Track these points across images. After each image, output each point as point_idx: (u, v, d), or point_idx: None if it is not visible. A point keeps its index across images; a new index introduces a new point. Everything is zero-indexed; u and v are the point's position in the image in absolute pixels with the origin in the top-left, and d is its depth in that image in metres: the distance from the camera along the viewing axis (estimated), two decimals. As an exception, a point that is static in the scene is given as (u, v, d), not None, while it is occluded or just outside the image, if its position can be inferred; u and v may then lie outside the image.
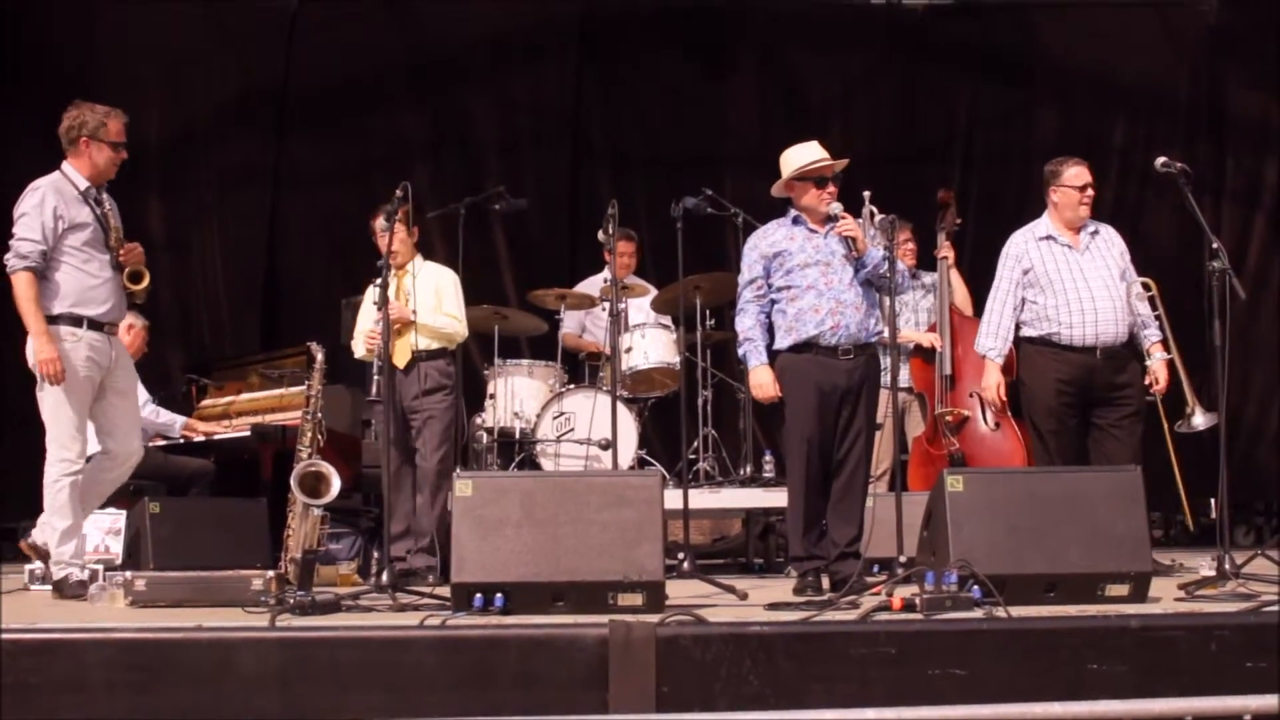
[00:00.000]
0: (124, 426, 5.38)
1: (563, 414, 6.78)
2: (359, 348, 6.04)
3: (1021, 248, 5.91)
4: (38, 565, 5.60)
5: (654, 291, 7.37)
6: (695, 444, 7.06)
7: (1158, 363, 5.79)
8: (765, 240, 5.39)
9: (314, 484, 5.42)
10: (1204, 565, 5.17)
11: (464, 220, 6.86)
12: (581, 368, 7.51)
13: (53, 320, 5.17)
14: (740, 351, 5.40)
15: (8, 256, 5.18)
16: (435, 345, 5.98)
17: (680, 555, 5.99)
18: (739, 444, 7.33)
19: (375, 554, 6.13)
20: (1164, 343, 5.84)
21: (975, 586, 4.24)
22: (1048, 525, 4.55)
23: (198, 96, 8.85)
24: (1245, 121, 9.07)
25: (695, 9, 9.02)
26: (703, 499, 6.70)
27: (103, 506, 5.74)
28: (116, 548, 5.99)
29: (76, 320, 5.20)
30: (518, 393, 6.84)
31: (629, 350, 6.83)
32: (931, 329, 6.97)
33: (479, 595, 4.30)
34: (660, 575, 4.41)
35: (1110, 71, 9.11)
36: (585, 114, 9.22)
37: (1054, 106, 9.17)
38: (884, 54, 9.26)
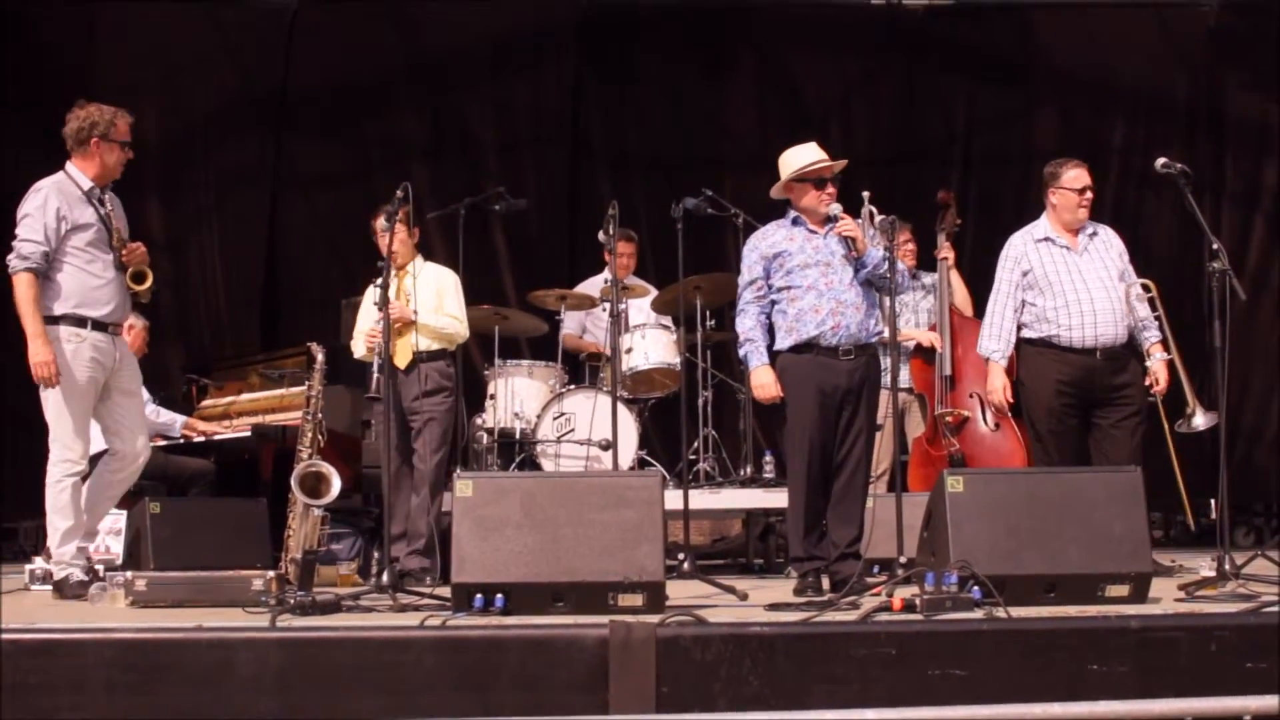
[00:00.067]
0: (130, 426, 5.38)
1: (563, 414, 6.78)
2: (359, 347, 6.04)
3: (1020, 250, 5.91)
4: (38, 565, 5.60)
5: (654, 292, 7.37)
6: (695, 444, 7.06)
7: (1157, 363, 5.79)
8: (765, 241, 5.39)
9: (314, 484, 5.42)
10: (1204, 566, 5.18)
11: (464, 221, 6.86)
12: (582, 368, 7.51)
13: (56, 321, 5.17)
14: (741, 352, 5.40)
15: (10, 257, 5.17)
16: (436, 346, 5.98)
17: (680, 556, 5.99)
18: (739, 445, 7.32)
19: (375, 554, 6.12)
20: (1164, 343, 5.84)
21: (975, 587, 4.24)
22: (1048, 526, 4.55)
23: (197, 97, 8.85)
24: (1245, 122, 9.07)
25: (695, 10, 9.02)
26: (703, 499, 6.70)
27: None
28: (117, 548, 5.99)
29: (80, 321, 5.19)
30: (518, 393, 6.84)
31: (629, 351, 6.83)
32: (931, 329, 6.98)
33: (479, 595, 4.30)
34: (660, 576, 4.41)
35: (1110, 73, 9.12)
36: (585, 115, 9.22)
37: (1053, 107, 9.18)
38: (884, 55, 9.26)
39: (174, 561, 5.14)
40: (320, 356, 5.92)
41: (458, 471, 5.69)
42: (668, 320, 7.22)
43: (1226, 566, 4.83)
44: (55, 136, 5.36)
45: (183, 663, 3.74)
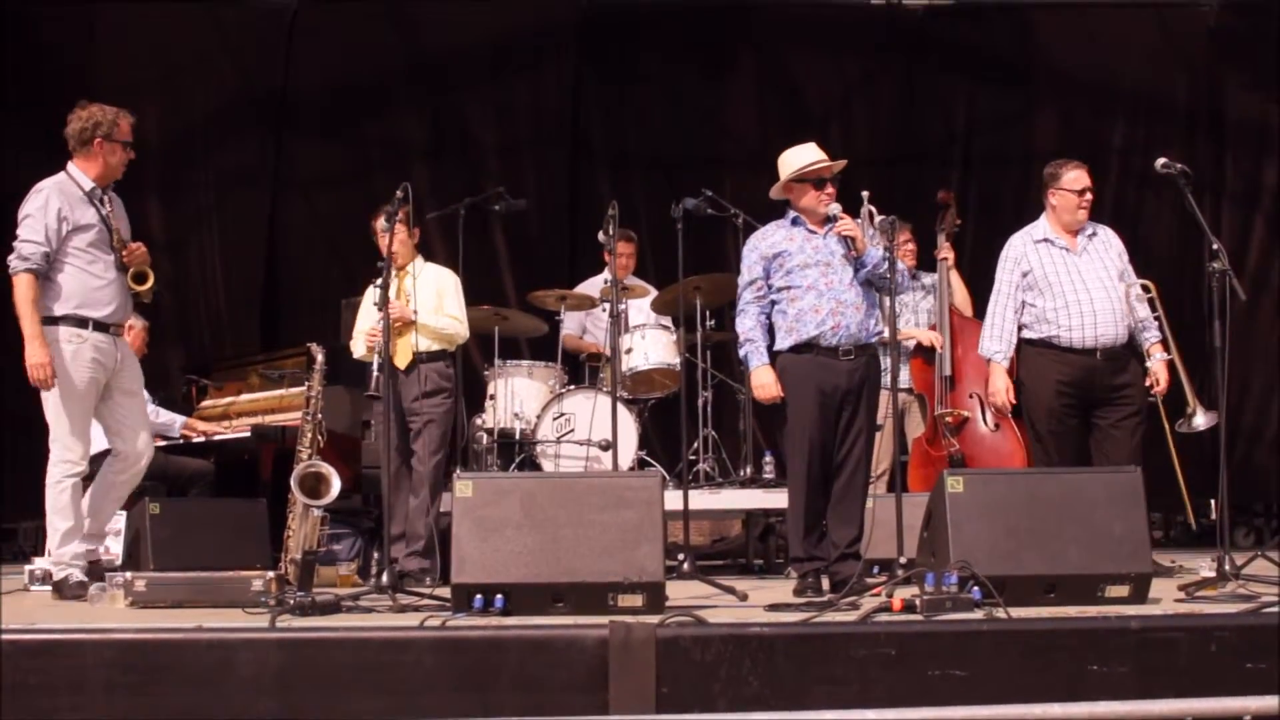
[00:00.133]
0: (131, 426, 5.38)
1: (563, 415, 6.77)
2: (359, 347, 6.03)
3: (1020, 250, 5.91)
4: (38, 566, 5.60)
5: (654, 292, 7.37)
6: (695, 445, 7.06)
7: (1158, 363, 5.80)
8: (765, 241, 5.39)
9: (314, 485, 5.42)
10: (1204, 566, 5.18)
11: (464, 221, 6.85)
12: (581, 369, 7.51)
13: (57, 321, 5.17)
14: (741, 352, 5.40)
15: (10, 258, 5.17)
16: (435, 346, 5.98)
17: (680, 556, 5.99)
18: (739, 445, 7.32)
19: (375, 555, 6.12)
20: (1163, 343, 5.84)
21: (975, 587, 4.25)
22: (1048, 526, 4.56)
23: (197, 98, 8.85)
24: (1245, 122, 9.07)
25: (695, 10, 9.02)
26: (703, 500, 6.70)
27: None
28: (116, 548, 5.98)
29: (81, 322, 5.19)
30: (518, 393, 6.84)
31: (629, 351, 6.83)
32: (931, 330, 6.97)
33: (479, 596, 4.30)
34: (660, 576, 4.42)
35: (1110, 73, 9.12)
36: (585, 115, 9.22)
37: (1053, 107, 9.18)
38: (884, 55, 9.26)
39: (173, 562, 5.15)
40: (320, 357, 5.92)
41: (457, 472, 5.69)
42: (667, 320, 7.22)
43: (1226, 567, 4.83)
44: (55, 137, 5.36)
45: (182, 663, 3.74)
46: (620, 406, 6.23)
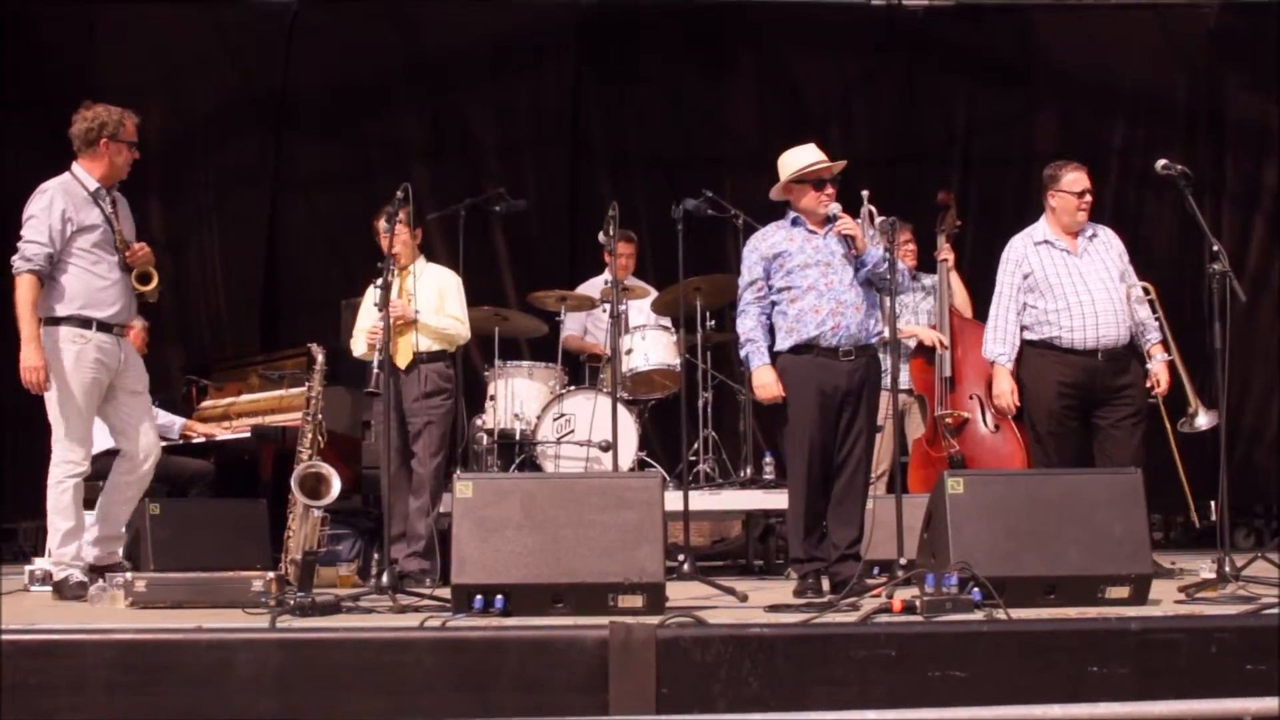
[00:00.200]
0: (137, 425, 5.38)
1: (563, 416, 6.77)
2: (359, 345, 6.02)
3: (1021, 252, 5.91)
4: (38, 566, 5.60)
5: (654, 293, 7.37)
6: (695, 446, 7.05)
7: (1158, 364, 5.80)
8: (765, 242, 5.39)
9: (314, 485, 5.42)
10: (1204, 568, 5.18)
11: (464, 222, 6.85)
12: (582, 369, 7.51)
13: (60, 322, 5.16)
14: (742, 353, 5.40)
15: (14, 258, 5.17)
16: (436, 347, 5.97)
17: (680, 557, 5.99)
18: (739, 446, 7.32)
19: (375, 556, 6.12)
20: (1164, 344, 5.84)
21: (975, 588, 4.25)
22: (1048, 527, 4.56)
23: (197, 98, 8.86)
24: (1245, 123, 9.08)
25: (695, 10, 9.02)
26: (703, 501, 6.69)
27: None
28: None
29: (85, 322, 5.19)
30: (518, 394, 6.84)
31: (629, 352, 6.83)
32: (932, 330, 6.97)
33: (479, 596, 4.30)
34: (660, 577, 4.42)
35: (1110, 74, 9.13)
36: (585, 115, 9.22)
37: (1053, 108, 9.18)
38: (884, 55, 9.26)
39: (174, 562, 5.15)
40: (320, 357, 5.92)
41: (458, 473, 5.69)
42: (668, 321, 7.22)
43: (1226, 568, 4.83)
44: (55, 137, 5.36)
45: (182, 663, 3.74)
46: (620, 407, 6.23)
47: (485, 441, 6.82)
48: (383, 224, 5.60)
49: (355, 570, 6.14)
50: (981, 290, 6.53)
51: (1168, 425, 5.92)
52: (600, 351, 7.32)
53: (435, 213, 7.04)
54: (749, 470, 7.05)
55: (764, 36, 9.17)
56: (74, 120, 5.31)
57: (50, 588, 5.26)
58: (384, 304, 5.16)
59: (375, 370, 5.53)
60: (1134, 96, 9.18)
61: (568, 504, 4.43)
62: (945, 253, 7.06)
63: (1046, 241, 5.88)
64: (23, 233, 5.18)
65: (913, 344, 6.90)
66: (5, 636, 3.73)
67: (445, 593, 4.57)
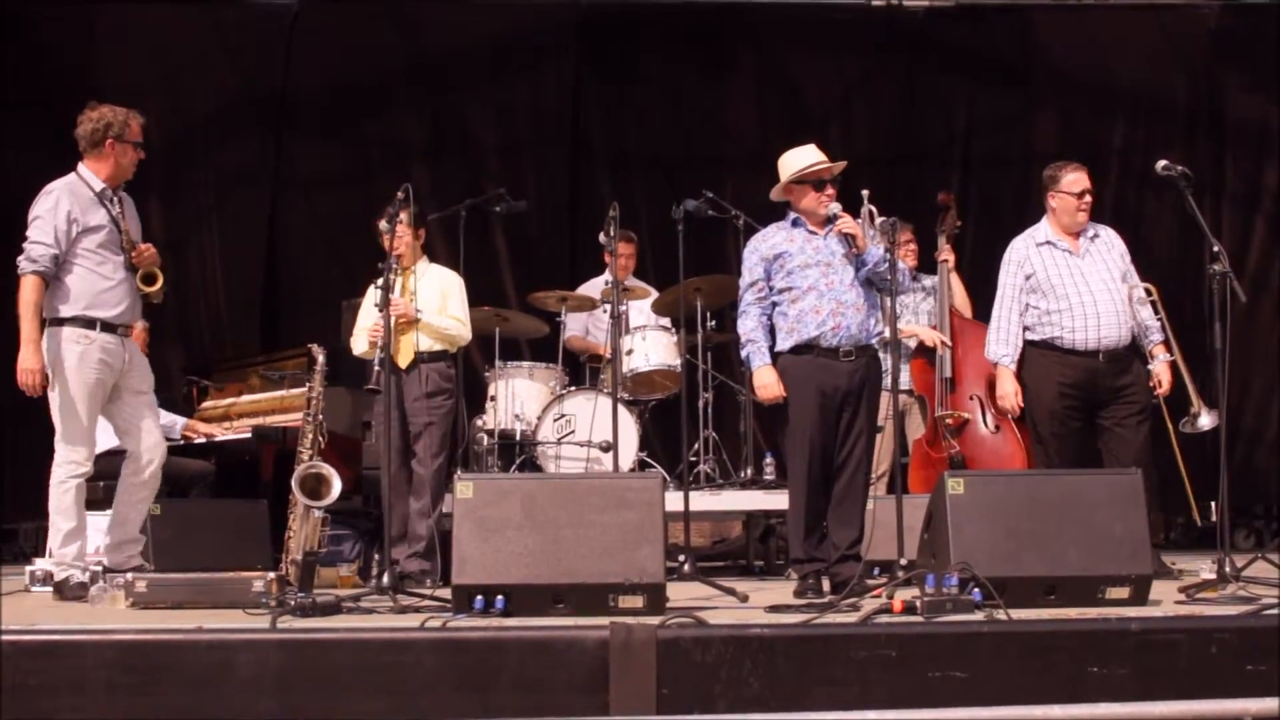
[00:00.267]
0: (142, 425, 5.38)
1: (563, 416, 6.77)
2: (360, 343, 6.01)
3: (1023, 253, 5.91)
4: (38, 566, 5.60)
5: (655, 294, 7.37)
6: (696, 446, 7.05)
7: (1160, 365, 5.80)
8: (765, 243, 5.39)
9: (315, 486, 5.41)
10: (1204, 568, 5.18)
11: (464, 222, 6.86)
12: (582, 370, 7.51)
13: (65, 323, 5.16)
14: (743, 353, 5.40)
15: (20, 259, 5.17)
16: (438, 346, 5.97)
17: (681, 557, 5.99)
18: (739, 446, 7.32)
19: (375, 556, 6.12)
20: (1166, 344, 5.85)
21: (976, 589, 4.25)
22: (1048, 528, 4.56)
23: (197, 98, 8.86)
24: (1245, 124, 9.08)
25: (695, 10, 9.02)
26: (703, 501, 6.69)
27: (103, 508, 5.73)
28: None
29: (89, 323, 5.19)
30: (518, 395, 6.84)
31: (630, 352, 6.83)
32: (933, 330, 6.97)
33: (480, 597, 4.30)
34: (661, 577, 4.42)
35: (1110, 74, 9.12)
36: (585, 115, 9.22)
37: (1054, 109, 9.18)
38: (884, 56, 9.26)
39: (174, 563, 5.14)
40: (321, 358, 5.92)
41: (458, 473, 5.69)
42: (668, 322, 7.22)
43: (1227, 569, 4.83)
44: (55, 137, 5.37)
45: (183, 664, 3.74)
46: (621, 408, 6.23)
47: (486, 442, 6.82)
48: (383, 224, 5.61)
49: (356, 571, 6.13)
50: (981, 291, 6.53)
51: (1169, 426, 5.92)
52: (602, 352, 7.32)
53: (435, 213, 7.03)
54: (749, 471, 7.05)
55: (764, 36, 9.17)
56: (79, 121, 5.31)
57: (51, 588, 5.26)
58: (384, 304, 5.16)
59: (376, 368, 5.53)
60: (1134, 97, 9.18)
61: (568, 504, 4.43)
62: (946, 253, 7.06)
63: (1049, 242, 5.89)
64: (28, 233, 5.18)
65: (913, 344, 6.90)
66: (5, 637, 3.73)
67: (446, 593, 4.57)
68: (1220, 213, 9.01)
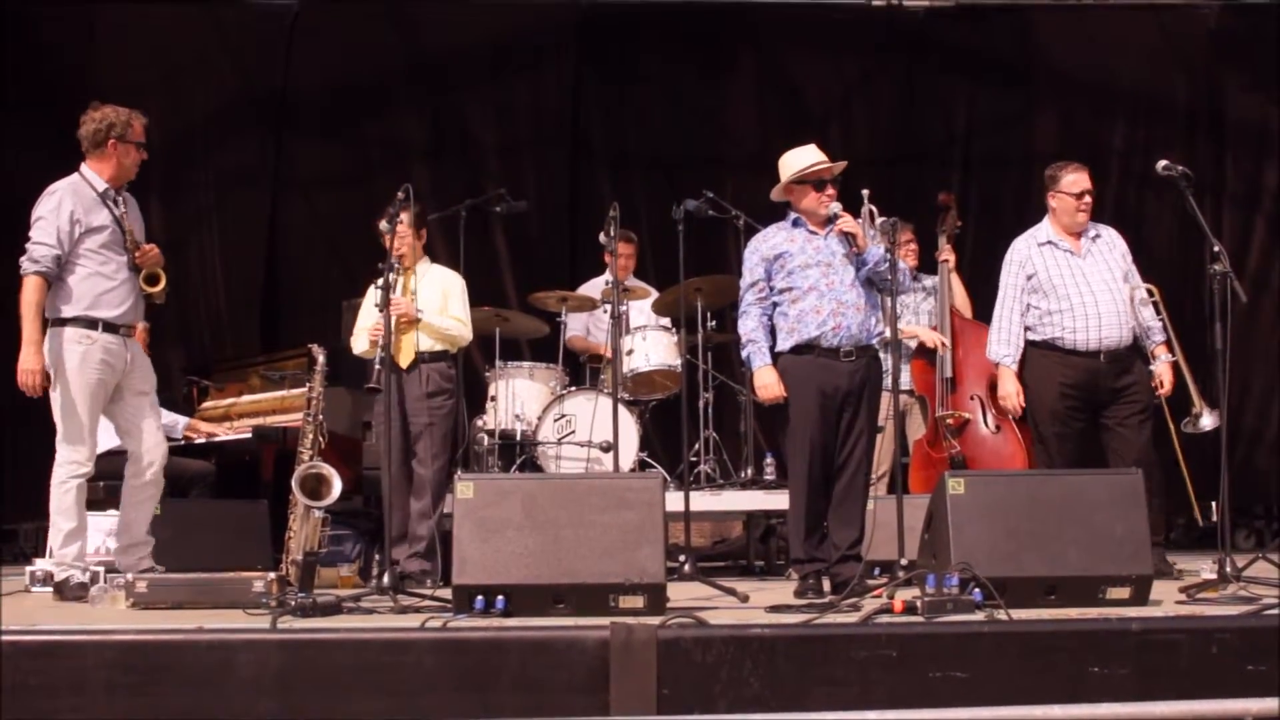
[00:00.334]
0: (143, 425, 5.37)
1: (564, 416, 6.77)
2: (360, 343, 6.00)
3: (1024, 254, 5.91)
4: (39, 567, 5.60)
5: (655, 294, 7.37)
6: (696, 446, 7.05)
7: (1162, 365, 5.80)
8: (766, 243, 5.39)
9: (315, 486, 5.42)
10: (1205, 568, 5.18)
11: (465, 223, 6.86)
12: (582, 370, 7.51)
13: (67, 323, 5.16)
14: (744, 353, 5.41)
15: (22, 259, 5.17)
16: (438, 346, 5.97)
17: (681, 557, 5.99)
18: (740, 446, 7.32)
19: (376, 556, 6.12)
20: (1168, 345, 5.85)
21: (976, 589, 4.25)
22: (1048, 528, 4.56)
23: (197, 98, 8.85)
24: (1245, 124, 9.07)
25: (695, 10, 9.01)
26: (704, 501, 6.69)
27: (103, 508, 5.73)
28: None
29: (91, 323, 5.19)
30: (519, 395, 6.84)
31: (630, 352, 6.83)
32: (933, 330, 6.97)
33: (480, 597, 4.30)
34: (661, 577, 4.42)
35: (1110, 74, 9.12)
36: (585, 115, 9.22)
37: (1054, 109, 9.18)
38: (884, 56, 9.25)
39: (175, 563, 5.14)
40: (321, 358, 5.92)
41: (459, 473, 5.69)
42: (668, 322, 7.22)
43: (1227, 569, 4.83)
44: (55, 137, 5.36)
45: (183, 664, 3.74)
46: (621, 408, 6.23)
47: (486, 442, 6.82)
48: (382, 225, 5.61)
49: (356, 571, 6.13)
50: (982, 291, 6.52)
51: (1171, 426, 5.92)
52: (602, 352, 7.31)
53: (436, 213, 7.03)
54: (750, 471, 7.05)
55: (764, 37, 9.16)
56: (82, 121, 5.31)
57: (51, 588, 5.26)
58: (384, 304, 5.16)
59: (377, 367, 5.53)
60: (1134, 97, 9.17)
61: (568, 504, 4.43)
62: (946, 253, 7.06)
63: (1050, 242, 5.89)
64: (31, 234, 5.18)
65: (914, 344, 6.90)
66: (6, 637, 3.73)
67: (446, 593, 4.57)
68: (1220, 213, 9.01)
